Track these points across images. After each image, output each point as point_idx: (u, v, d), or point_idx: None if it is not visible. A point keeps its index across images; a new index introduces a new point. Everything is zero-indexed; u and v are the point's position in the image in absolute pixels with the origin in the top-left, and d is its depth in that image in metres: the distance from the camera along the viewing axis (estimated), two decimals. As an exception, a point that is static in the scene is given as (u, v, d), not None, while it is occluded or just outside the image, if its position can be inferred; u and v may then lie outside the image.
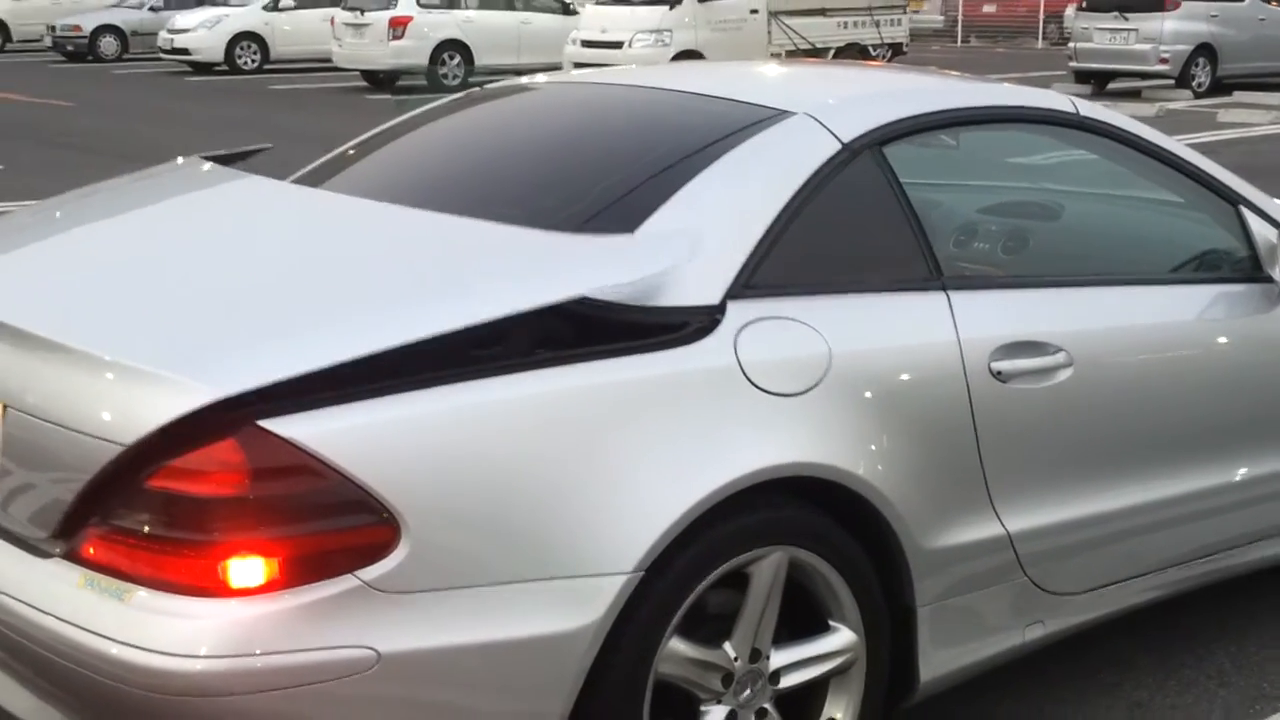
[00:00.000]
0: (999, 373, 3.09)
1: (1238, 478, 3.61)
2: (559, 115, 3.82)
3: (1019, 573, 3.19)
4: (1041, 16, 32.26)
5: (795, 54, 20.75)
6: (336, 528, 2.40)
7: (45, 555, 2.52)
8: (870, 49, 22.66)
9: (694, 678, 2.77)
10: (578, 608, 2.53)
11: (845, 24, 22.21)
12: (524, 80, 4.37)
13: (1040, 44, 31.45)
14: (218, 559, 2.35)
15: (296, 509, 2.38)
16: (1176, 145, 3.69)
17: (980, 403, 3.06)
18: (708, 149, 3.07)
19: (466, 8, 22.36)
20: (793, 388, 2.80)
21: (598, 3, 21.38)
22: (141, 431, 2.37)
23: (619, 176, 3.14)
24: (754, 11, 20.93)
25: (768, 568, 2.79)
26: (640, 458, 2.60)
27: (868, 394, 2.89)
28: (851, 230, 3.11)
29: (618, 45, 19.81)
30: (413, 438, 2.44)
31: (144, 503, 2.40)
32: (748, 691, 2.84)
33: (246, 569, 2.35)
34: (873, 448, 2.88)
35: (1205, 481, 3.53)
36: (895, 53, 23.44)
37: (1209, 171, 3.68)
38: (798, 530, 2.84)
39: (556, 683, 2.55)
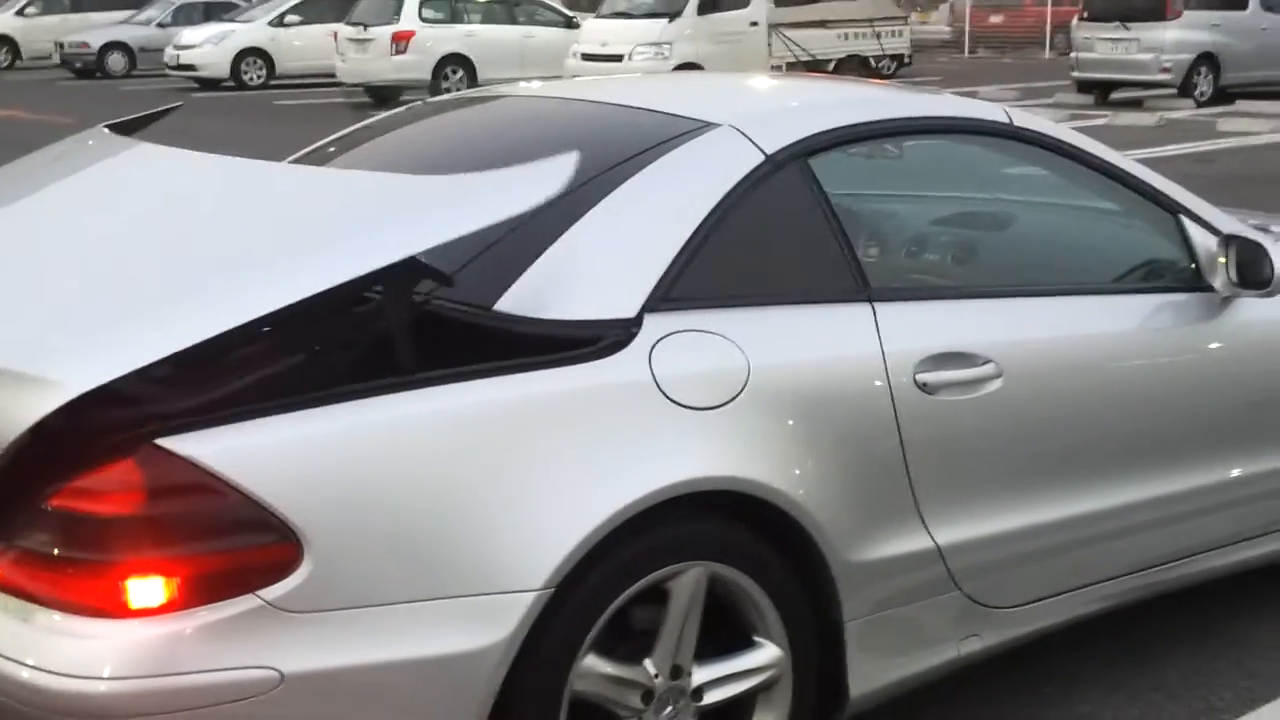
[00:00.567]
0: (924, 384, 3.07)
1: (1178, 489, 3.57)
2: (486, 127, 3.81)
3: (951, 586, 3.17)
4: (1048, 27, 32.18)
5: (796, 66, 20.77)
6: (237, 546, 2.39)
7: (-42, 577, 2.51)
8: (872, 60, 22.69)
9: (613, 695, 2.75)
10: (486, 625, 2.51)
11: (846, 35, 22.26)
12: (458, 95, 4.38)
13: (1047, 54, 31.35)
14: (118, 579, 2.35)
15: (196, 528, 2.38)
16: (1115, 155, 3.67)
17: (905, 415, 3.04)
18: (630, 161, 3.05)
19: (469, 22, 22.42)
20: (709, 401, 2.79)
21: (598, 16, 21.45)
22: (12, 434, 2.34)
23: None
24: (754, 24, 20.97)
25: (687, 583, 2.77)
26: (550, 473, 2.59)
27: (788, 407, 2.88)
28: (774, 243, 3.10)
29: (618, 58, 19.85)
30: (314, 455, 2.43)
31: (46, 523, 2.40)
32: (669, 709, 2.82)
33: (147, 589, 2.35)
34: (794, 461, 2.87)
35: (1145, 493, 3.50)
36: (899, 64, 23.47)
37: (1149, 181, 3.66)
38: (717, 545, 2.82)
39: (466, 702, 2.53)
